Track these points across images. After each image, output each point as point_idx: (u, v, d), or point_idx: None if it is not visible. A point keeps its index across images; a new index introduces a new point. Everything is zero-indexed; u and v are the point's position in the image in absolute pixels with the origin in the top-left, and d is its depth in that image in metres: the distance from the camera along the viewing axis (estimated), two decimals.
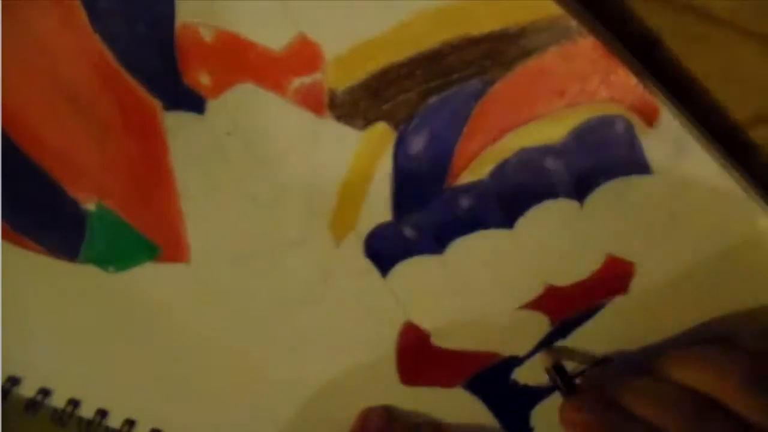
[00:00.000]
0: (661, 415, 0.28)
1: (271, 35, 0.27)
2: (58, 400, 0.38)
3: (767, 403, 0.26)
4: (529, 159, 0.28)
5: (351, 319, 0.33)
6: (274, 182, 0.30)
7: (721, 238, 0.29)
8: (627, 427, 0.28)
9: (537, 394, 0.32)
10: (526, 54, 0.26)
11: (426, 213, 0.30)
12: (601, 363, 0.31)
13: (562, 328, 0.32)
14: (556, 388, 0.32)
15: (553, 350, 0.32)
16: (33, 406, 0.38)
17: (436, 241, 0.31)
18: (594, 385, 0.31)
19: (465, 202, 0.30)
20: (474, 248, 0.30)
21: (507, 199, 0.29)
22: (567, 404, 0.30)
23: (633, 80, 0.26)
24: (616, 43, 0.27)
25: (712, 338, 0.30)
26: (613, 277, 0.31)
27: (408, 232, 0.31)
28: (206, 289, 0.34)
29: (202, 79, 0.28)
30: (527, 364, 0.33)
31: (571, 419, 0.30)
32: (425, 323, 0.33)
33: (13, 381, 0.38)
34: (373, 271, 0.32)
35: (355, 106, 0.28)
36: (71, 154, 0.31)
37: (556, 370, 0.31)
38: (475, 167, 0.29)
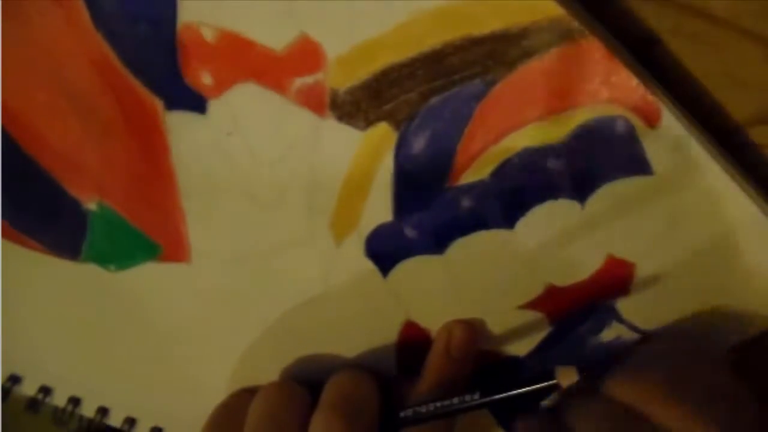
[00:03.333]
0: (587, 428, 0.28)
1: (272, 35, 0.27)
2: (58, 399, 0.39)
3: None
4: (531, 159, 0.28)
5: (351, 319, 0.33)
6: (275, 182, 0.30)
7: (722, 239, 0.29)
8: None
9: (537, 395, 0.32)
10: (528, 54, 0.26)
11: (427, 213, 0.30)
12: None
13: (563, 328, 0.32)
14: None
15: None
16: (34, 404, 0.38)
17: (437, 241, 0.31)
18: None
19: (466, 203, 0.30)
20: (475, 248, 0.31)
21: (508, 200, 0.29)
22: (522, 418, 0.31)
23: (634, 81, 0.26)
24: (617, 44, 0.27)
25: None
26: (614, 278, 0.31)
27: (409, 232, 0.31)
28: (206, 288, 0.34)
29: (203, 79, 0.28)
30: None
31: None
32: (426, 323, 0.33)
33: (14, 380, 0.38)
34: (373, 271, 0.32)
35: (357, 106, 0.28)
36: (72, 153, 0.31)
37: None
38: (477, 167, 0.29)
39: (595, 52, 0.26)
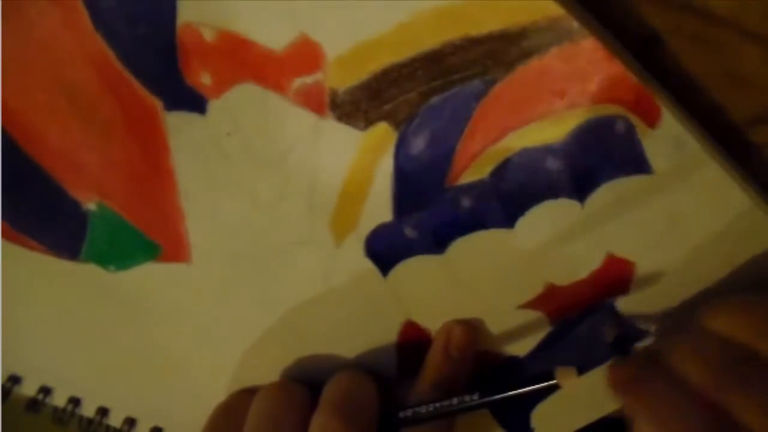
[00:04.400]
0: (697, 370, 0.26)
1: (272, 35, 0.27)
2: (58, 399, 0.39)
3: None
4: (530, 159, 0.28)
5: (351, 319, 0.33)
6: (274, 182, 0.30)
7: (721, 238, 0.29)
8: (674, 388, 0.26)
9: (537, 395, 0.32)
10: (528, 54, 0.26)
11: (427, 213, 0.30)
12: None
13: (563, 328, 0.32)
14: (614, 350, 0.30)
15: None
16: (34, 404, 0.38)
17: (437, 241, 0.31)
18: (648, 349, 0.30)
19: (466, 202, 0.30)
20: (474, 248, 0.31)
21: (508, 199, 0.29)
22: (614, 364, 0.28)
23: (634, 81, 0.26)
24: (616, 44, 0.27)
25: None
26: (614, 277, 0.31)
27: (409, 232, 0.31)
28: (206, 288, 0.34)
29: (203, 79, 0.29)
30: None
31: (616, 377, 0.28)
32: (426, 323, 0.33)
33: (14, 380, 0.38)
34: (373, 271, 0.32)
35: (357, 106, 0.28)
36: (72, 154, 0.31)
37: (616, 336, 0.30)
38: (476, 167, 0.29)
39: (594, 52, 0.26)
